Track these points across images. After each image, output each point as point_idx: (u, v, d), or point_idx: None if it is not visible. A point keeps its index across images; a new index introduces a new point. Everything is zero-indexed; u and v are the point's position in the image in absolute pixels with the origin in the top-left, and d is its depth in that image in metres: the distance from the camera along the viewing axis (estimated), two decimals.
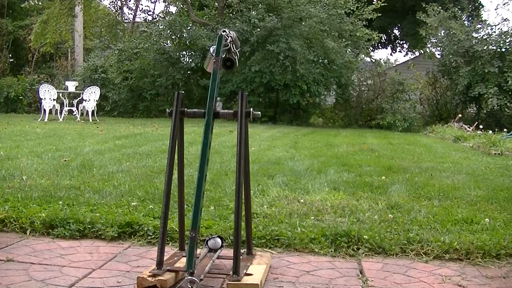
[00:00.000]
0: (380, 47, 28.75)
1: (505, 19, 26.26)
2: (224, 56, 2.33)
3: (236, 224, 2.14)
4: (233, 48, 2.35)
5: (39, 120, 13.23)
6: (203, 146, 2.18)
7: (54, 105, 13.95)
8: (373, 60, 18.53)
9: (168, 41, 17.64)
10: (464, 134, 11.00)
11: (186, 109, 2.32)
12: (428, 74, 17.13)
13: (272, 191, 3.95)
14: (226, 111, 2.30)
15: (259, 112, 2.37)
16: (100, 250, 2.67)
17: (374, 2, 17.39)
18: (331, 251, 2.70)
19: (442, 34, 16.28)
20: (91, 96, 14.10)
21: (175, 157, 2.31)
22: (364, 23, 17.10)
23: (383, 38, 26.71)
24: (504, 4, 19.69)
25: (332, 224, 2.99)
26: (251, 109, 2.26)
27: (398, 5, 23.09)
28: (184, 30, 17.28)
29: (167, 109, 2.37)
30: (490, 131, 11.16)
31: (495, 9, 43.53)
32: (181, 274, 2.21)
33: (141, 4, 22.87)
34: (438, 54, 17.55)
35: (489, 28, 15.69)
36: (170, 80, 16.50)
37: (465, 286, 2.28)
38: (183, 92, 2.38)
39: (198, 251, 2.46)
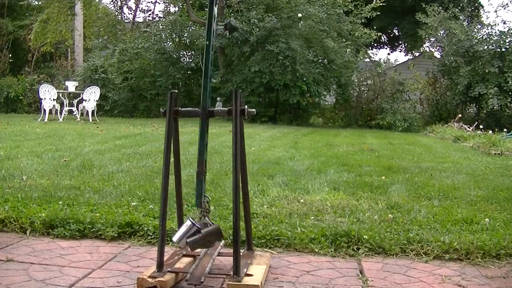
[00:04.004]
0: (380, 47, 28.74)
1: (505, 22, 26.14)
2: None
3: (234, 224, 2.14)
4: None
5: (39, 120, 13.22)
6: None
7: (54, 105, 13.93)
8: (373, 60, 18.49)
9: (168, 41, 17.64)
10: (464, 134, 10.99)
11: (180, 108, 2.32)
12: (428, 74, 17.12)
13: (272, 191, 3.95)
14: (220, 109, 2.33)
15: (254, 110, 2.38)
16: (100, 250, 2.67)
17: (373, 1, 17.35)
18: (331, 251, 2.70)
19: (442, 34, 16.26)
20: (91, 96, 14.10)
21: (171, 156, 2.31)
22: (362, 20, 17.05)
23: (382, 38, 26.68)
24: (503, 6, 19.60)
25: (332, 224, 2.99)
26: (246, 106, 2.26)
27: (398, 5, 23.07)
28: (184, 30, 17.27)
29: (161, 109, 2.37)
30: (490, 131, 11.16)
31: (494, 11, 43.37)
32: (181, 275, 2.21)
33: (141, 4, 22.83)
34: (439, 54, 17.54)
35: (489, 28, 15.69)
36: (171, 80, 16.51)
37: (465, 286, 2.28)
38: (176, 91, 2.36)
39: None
